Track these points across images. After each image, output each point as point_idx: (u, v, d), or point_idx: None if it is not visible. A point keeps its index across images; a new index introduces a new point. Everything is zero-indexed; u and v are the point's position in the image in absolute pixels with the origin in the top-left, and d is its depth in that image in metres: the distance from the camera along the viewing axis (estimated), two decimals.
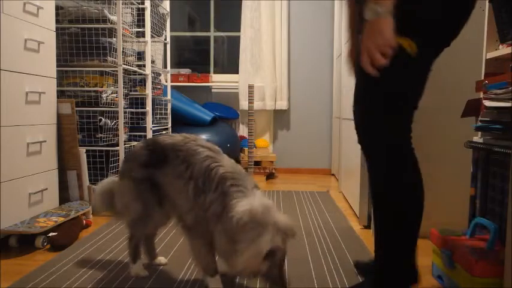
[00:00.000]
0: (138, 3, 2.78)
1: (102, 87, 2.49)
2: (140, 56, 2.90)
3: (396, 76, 1.17)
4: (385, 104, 1.20)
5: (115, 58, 2.48)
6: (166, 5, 3.24)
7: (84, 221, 2.17)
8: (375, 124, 1.23)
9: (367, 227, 2.25)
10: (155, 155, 1.41)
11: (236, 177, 1.27)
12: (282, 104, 4.10)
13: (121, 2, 2.40)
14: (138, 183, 1.43)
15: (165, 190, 1.40)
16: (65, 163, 2.32)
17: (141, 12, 2.82)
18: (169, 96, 3.35)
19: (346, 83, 2.97)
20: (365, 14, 1.08)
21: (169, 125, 3.34)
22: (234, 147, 3.78)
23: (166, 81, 3.40)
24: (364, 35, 1.09)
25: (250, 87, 3.47)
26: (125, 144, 2.52)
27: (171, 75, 3.99)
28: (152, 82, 2.93)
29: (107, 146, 2.52)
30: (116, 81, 2.56)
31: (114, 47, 2.50)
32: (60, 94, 2.49)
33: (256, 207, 1.19)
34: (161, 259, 1.69)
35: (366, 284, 1.41)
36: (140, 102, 2.88)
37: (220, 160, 1.33)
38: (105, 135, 2.49)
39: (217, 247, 1.26)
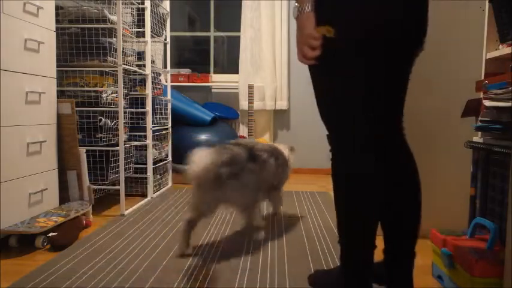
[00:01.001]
0: (138, 3, 2.78)
1: (102, 87, 2.49)
2: (140, 56, 2.90)
3: (328, 74, 1.22)
4: (325, 101, 1.29)
5: (115, 58, 2.48)
6: (166, 5, 3.24)
7: (84, 221, 2.17)
8: (327, 121, 1.30)
9: None
10: (254, 157, 1.91)
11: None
12: (282, 104, 4.10)
13: (121, 2, 2.40)
14: (250, 177, 1.84)
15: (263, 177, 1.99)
16: (65, 163, 2.32)
17: (141, 12, 2.82)
18: (169, 96, 3.35)
19: None
20: (293, 13, 1.20)
21: (169, 125, 3.34)
22: None
23: (166, 81, 3.40)
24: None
25: (250, 87, 3.47)
26: (124, 144, 2.52)
27: (171, 75, 3.99)
28: (152, 82, 2.93)
29: (107, 146, 2.52)
30: (116, 81, 2.56)
31: (114, 47, 2.50)
32: (60, 94, 2.49)
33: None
34: None
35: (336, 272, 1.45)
36: (140, 102, 2.88)
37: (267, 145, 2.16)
38: (105, 135, 2.49)
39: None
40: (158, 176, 3.10)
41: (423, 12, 1.22)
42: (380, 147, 1.31)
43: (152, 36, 2.91)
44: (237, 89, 4.13)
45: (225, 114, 3.95)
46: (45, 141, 2.14)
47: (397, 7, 1.16)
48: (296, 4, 1.19)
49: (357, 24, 1.15)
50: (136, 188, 2.96)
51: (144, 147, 2.88)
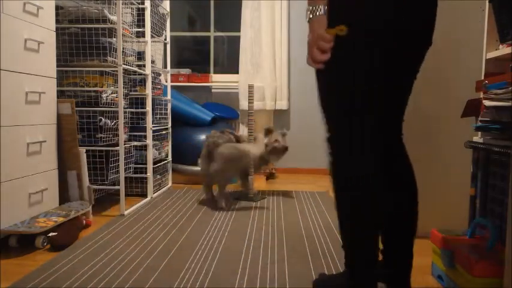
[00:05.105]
0: (138, 3, 2.78)
1: (102, 87, 2.49)
2: (140, 56, 2.90)
3: (334, 72, 1.19)
4: (330, 99, 1.24)
5: (115, 58, 2.48)
6: (166, 5, 3.24)
7: (84, 221, 2.17)
8: (328, 119, 1.26)
9: None
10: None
11: None
12: (282, 104, 4.10)
13: (121, 2, 2.40)
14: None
15: None
16: (65, 163, 2.32)
17: (141, 12, 2.82)
18: (169, 96, 3.35)
19: None
20: (305, 17, 1.18)
21: (169, 125, 3.34)
22: None
23: (166, 81, 3.40)
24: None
25: (250, 87, 3.46)
26: (124, 144, 2.52)
27: (171, 75, 3.99)
28: (152, 82, 2.93)
29: (107, 146, 2.52)
30: (116, 81, 2.56)
31: (114, 47, 2.50)
32: (60, 94, 2.49)
33: None
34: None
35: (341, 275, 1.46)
36: (140, 102, 2.88)
37: None
38: (105, 135, 2.49)
39: None
40: (158, 176, 3.10)
41: (433, 9, 1.22)
42: (380, 149, 1.29)
43: (152, 36, 2.91)
44: (237, 89, 4.13)
45: (225, 114, 3.94)
46: (45, 141, 2.14)
47: (407, 5, 1.16)
48: (308, 7, 1.17)
49: (367, 22, 1.15)
50: (136, 188, 2.96)
51: (144, 147, 2.88)
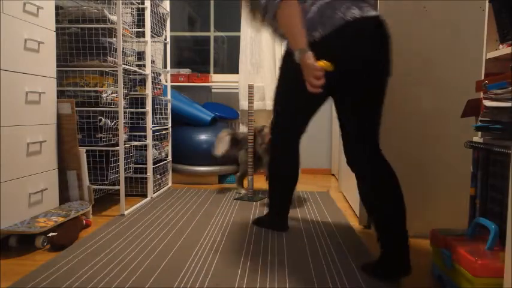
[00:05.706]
0: (138, 3, 2.78)
1: (102, 87, 2.49)
2: (140, 56, 2.90)
3: (283, 90, 1.84)
4: (276, 106, 1.91)
5: (115, 58, 2.48)
6: (166, 5, 3.24)
7: (84, 221, 2.17)
8: (274, 117, 1.94)
9: (367, 227, 2.25)
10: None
11: None
12: None
13: (121, 2, 2.40)
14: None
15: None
16: (65, 163, 2.32)
17: (141, 12, 2.82)
18: (169, 96, 3.35)
19: None
20: (295, 58, 1.50)
21: (169, 125, 3.34)
22: None
23: (166, 81, 3.40)
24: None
25: (250, 87, 3.46)
26: (124, 144, 2.52)
27: (171, 75, 3.99)
28: (152, 82, 2.93)
29: (107, 146, 2.52)
30: (116, 81, 2.56)
31: (114, 47, 2.50)
32: (60, 94, 2.49)
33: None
34: None
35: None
36: (140, 102, 2.88)
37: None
38: (105, 135, 2.49)
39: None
40: (158, 176, 3.10)
41: (387, 52, 1.57)
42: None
43: (152, 36, 2.91)
44: (237, 89, 4.13)
45: (225, 114, 3.95)
46: (45, 141, 2.14)
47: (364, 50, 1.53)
48: (295, 49, 1.48)
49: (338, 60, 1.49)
50: (136, 188, 2.96)
51: (144, 147, 2.88)
